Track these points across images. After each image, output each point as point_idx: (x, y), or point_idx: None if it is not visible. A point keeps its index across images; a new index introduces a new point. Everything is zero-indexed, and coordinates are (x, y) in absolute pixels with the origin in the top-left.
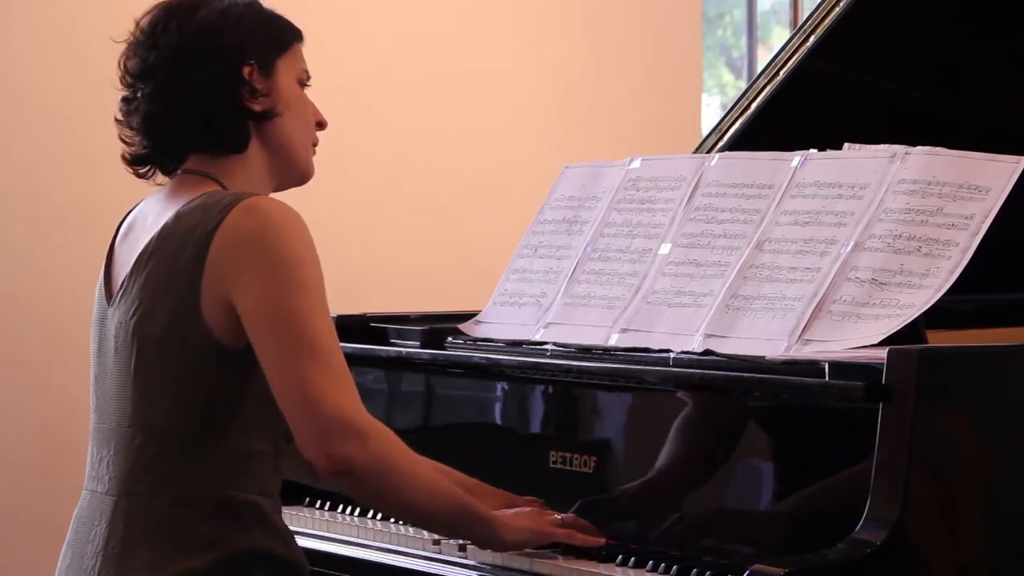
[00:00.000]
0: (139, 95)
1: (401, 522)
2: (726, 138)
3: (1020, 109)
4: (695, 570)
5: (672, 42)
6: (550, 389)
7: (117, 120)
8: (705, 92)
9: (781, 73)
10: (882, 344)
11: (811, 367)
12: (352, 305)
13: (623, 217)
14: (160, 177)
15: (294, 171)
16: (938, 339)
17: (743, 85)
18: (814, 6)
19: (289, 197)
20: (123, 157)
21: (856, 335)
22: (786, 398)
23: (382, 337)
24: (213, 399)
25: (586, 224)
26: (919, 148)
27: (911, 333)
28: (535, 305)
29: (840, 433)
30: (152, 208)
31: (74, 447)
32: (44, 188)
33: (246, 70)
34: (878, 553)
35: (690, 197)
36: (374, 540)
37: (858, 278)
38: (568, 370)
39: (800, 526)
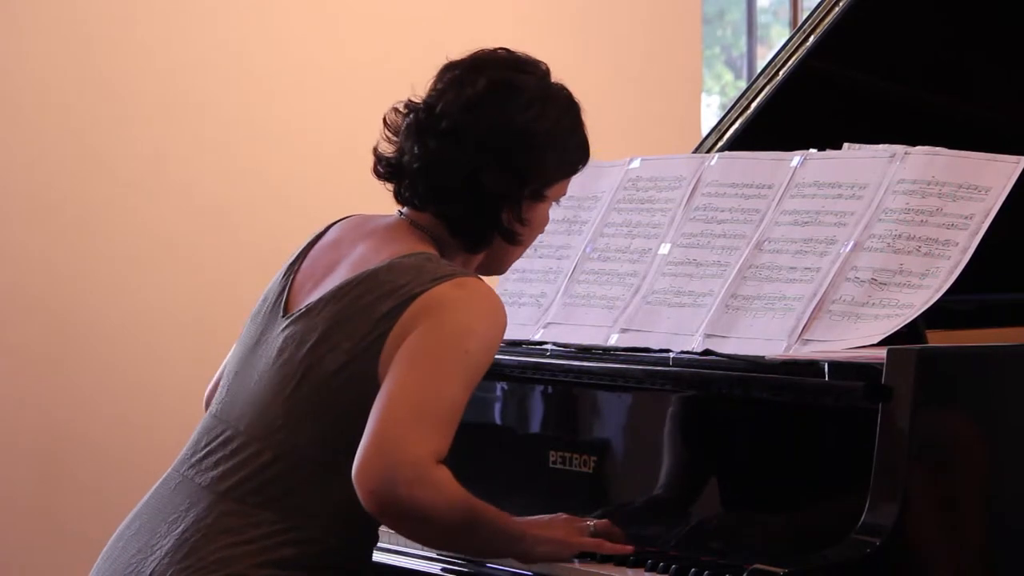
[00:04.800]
0: (434, 133)
1: None
2: (726, 138)
3: (1020, 109)
4: (694, 570)
5: (672, 42)
6: (550, 389)
7: (396, 110)
8: (705, 92)
9: (781, 73)
10: (882, 344)
11: (811, 367)
12: None
13: (623, 217)
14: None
15: (492, 273)
16: (938, 339)
17: (743, 85)
18: (814, 6)
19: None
20: (375, 152)
21: (856, 335)
22: (786, 398)
23: None
24: (354, 445)
25: (586, 224)
26: (919, 148)
27: (911, 333)
28: (535, 305)
29: (840, 433)
30: (360, 235)
31: (74, 445)
32: (44, 187)
33: (525, 193)
34: (878, 553)
35: (690, 197)
36: None
37: (858, 278)
38: (568, 370)
39: (800, 526)
